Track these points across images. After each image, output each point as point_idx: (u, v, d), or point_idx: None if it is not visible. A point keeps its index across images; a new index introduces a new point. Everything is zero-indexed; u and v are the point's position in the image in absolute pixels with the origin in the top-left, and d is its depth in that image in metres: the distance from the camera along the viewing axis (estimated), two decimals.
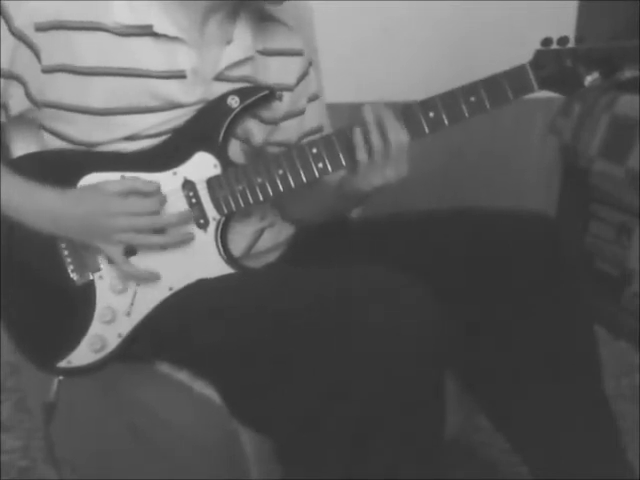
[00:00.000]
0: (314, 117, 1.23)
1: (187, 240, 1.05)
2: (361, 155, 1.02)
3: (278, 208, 1.23)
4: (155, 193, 1.02)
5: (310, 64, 1.20)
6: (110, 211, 1.00)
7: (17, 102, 1.04)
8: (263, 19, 1.13)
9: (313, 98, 1.22)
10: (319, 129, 1.23)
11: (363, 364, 0.85)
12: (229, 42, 1.08)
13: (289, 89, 1.17)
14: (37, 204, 1.02)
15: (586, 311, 1.10)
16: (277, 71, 1.15)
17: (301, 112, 1.20)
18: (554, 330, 1.08)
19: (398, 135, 1.01)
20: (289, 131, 1.19)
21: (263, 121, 1.14)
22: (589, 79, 1.03)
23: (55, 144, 1.06)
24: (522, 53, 1.07)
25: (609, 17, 1.95)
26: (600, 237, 1.98)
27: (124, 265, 1.03)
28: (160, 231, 1.03)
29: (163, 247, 1.04)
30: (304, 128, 1.21)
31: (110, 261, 1.04)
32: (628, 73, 1.03)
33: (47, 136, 1.07)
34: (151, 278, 1.04)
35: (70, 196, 1.02)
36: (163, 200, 1.03)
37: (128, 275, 1.04)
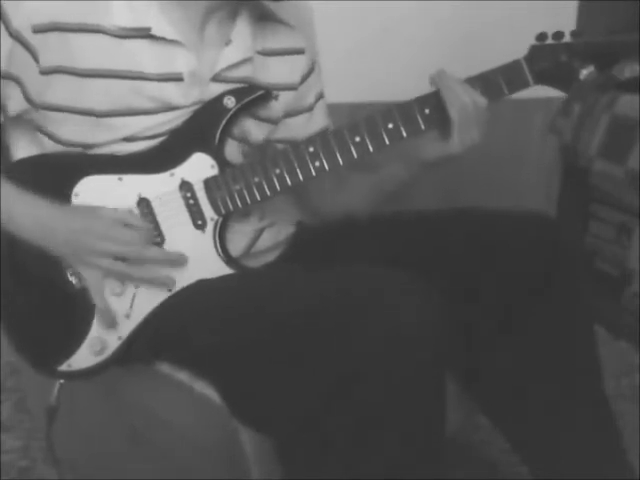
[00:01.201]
0: (322, 116, 1.23)
1: (167, 284, 1.04)
2: (453, 113, 1.03)
3: (307, 207, 1.25)
4: (146, 232, 1.03)
5: (314, 62, 1.20)
6: (95, 231, 1.00)
7: (15, 103, 1.04)
8: (263, 19, 1.13)
9: (320, 97, 1.22)
10: (326, 129, 1.23)
11: (363, 364, 0.85)
12: (227, 43, 1.08)
13: (293, 88, 1.17)
14: (28, 214, 1.01)
15: (586, 311, 1.10)
16: (279, 70, 1.15)
17: (309, 109, 1.21)
18: (554, 330, 1.08)
19: (478, 97, 1.05)
20: (296, 128, 1.20)
21: (261, 119, 1.14)
22: (584, 73, 1.04)
23: (54, 146, 1.06)
24: (522, 53, 1.08)
25: (609, 16, 1.95)
26: (600, 237, 1.97)
27: (97, 294, 1.03)
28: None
29: (139, 282, 1.04)
30: (313, 128, 1.21)
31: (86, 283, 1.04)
32: (628, 73, 1.03)
33: (45, 138, 1.07)
34: (107, 319, 1.04)
35: (62, 211, 1.02)
36: (155, 239, 1.04)
37: (94, 300, 1.04)
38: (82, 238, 1.01)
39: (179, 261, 1.05)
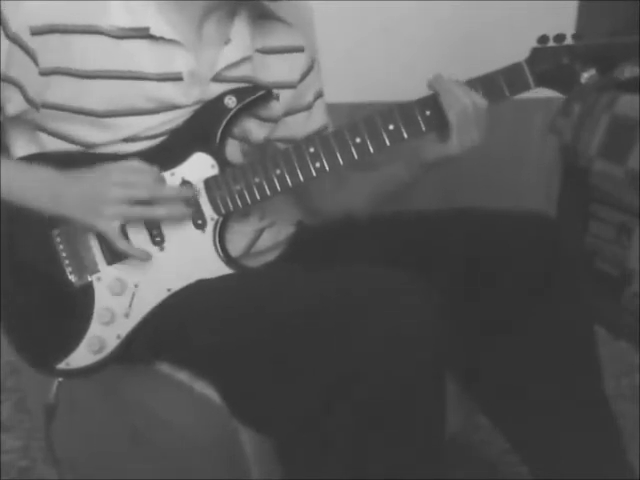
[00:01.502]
0: (321, 115, 1.23)
1: (184, 216, 1.04)
2: (452, 116, 1.03)
3: (307, 206, 1.24)
4: (154, 173, 1.02)
5: (314, 60, 1.21)
6: (110, 180, 0.99)
7: (14, 104, 1.04)
8: (262, 17, 1.13)
9: (319, 95, 1.22)
10: (325, 127, 1.23)
11: (363, 364, 0.85)
12: (227, 42, 1.08)
13: (292, 86, 1.17)
14: (37, 177, 1.02)
15: (586, 311, 1.10)
16: (279, 69, 1.15)
17: (308, 107, 1.21)
18: (554, 330, 1.08)
19: (478, 98, 1.04)
20: (295, 127, 1.20)
21: (262, 119, 1.14)
22: (585, 76, 1.04)
23: (53, 144, 1.06)
24: (522, 53, 1.08)
25: (609, 17, 1.95)
26: (600, 237, 1.98)
27: (118, 241, 1.01)
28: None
29: (159, 219, 1.03)
30: (312, 126, 1.21)
31: (104, 236, 1.02)
32: (628, 73, 1.03)
33: (45, 137, 1.07)
34: (143, 256, 1.03)
35: (72, 174, 1.02)
36: (162, 178, 1.03)
37: (122, 251, 1.03)
38: (97, 190, 1.00)
39: (192, 194, 1.04)
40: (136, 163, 1.02)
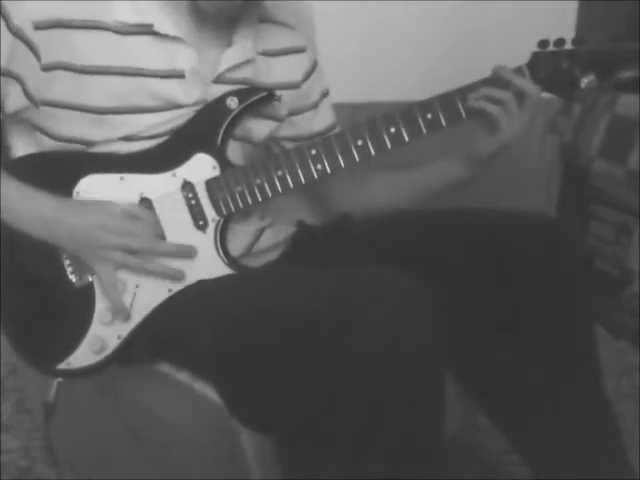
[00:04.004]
0: (328, 114, 1.24)
1: (177, 277, 1.04)
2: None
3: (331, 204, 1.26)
4: (153, 225, 1.03)
5: (316, 59, 1.21)
6: (107, 226, 1.01)
7: (14, 101, 1.04)
8: (263, 21, 1.14)
9: (325, 94, 1.23)
10: (334, 126, 1.23)
11: (363, 364, 0.85)
12: (229, 44, 1.08)
13: (296, 86, 1.18)
14: (33, 209, 1.02)
15: (586, 311, 1.10)
16: (282, 70, 1.15)
17: (314, 106, 1.21)
18: (554, 330, 1.08)
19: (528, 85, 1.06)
20: (302, 125, 1.20)
21: (264, 116, 1.14)
22: (585, 81, 1.04)
23: (52, 145, 1.06)
24: (522, 53, 1.08)
25: (609, 18, 1.95)
26: (600, 237, 1.98)
27: (109, 287, 1.03)
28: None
29: (149, 274, 1.04)
30: (320, 125, 1.22)
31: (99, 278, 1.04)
32: (628, 73, 1.04)
33: (43, 137, 1.07)
34: (122, 312, 1.04)
35: (69, 205, 1.03)
36: (161, 233, 1.04)
37: (107, 294, 1.04)
38: (89, 233, 1.01)
39: (189, 253, 1.05)
40: (136, 209, 1.03)
